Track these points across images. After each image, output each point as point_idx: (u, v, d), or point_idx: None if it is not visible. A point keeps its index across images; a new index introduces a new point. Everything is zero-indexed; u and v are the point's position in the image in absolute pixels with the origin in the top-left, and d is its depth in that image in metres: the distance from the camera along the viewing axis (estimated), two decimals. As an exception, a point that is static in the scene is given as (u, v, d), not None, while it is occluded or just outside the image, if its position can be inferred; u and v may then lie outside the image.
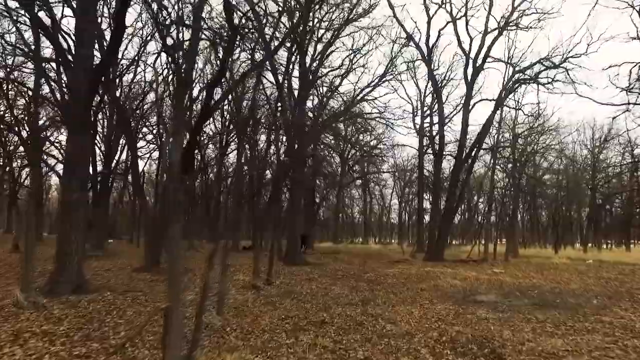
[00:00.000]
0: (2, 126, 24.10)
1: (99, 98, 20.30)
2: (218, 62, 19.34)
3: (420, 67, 45.76)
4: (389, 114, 23.67)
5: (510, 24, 20.76)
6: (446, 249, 24.02)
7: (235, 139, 27.62)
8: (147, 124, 27.73)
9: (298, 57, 18.77)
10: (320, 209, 44.73)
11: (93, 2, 9.26)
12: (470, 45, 21.78)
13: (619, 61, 19.08)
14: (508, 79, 21.56)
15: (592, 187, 35.46)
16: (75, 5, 8.94)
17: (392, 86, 23.48)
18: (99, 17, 11.09)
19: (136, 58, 21.01)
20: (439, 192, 23.66)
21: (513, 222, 28.69)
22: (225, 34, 10.80)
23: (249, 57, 17.99)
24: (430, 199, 31.29)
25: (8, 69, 17.49)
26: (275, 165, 23.09)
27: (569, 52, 20.28)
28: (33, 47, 12.33)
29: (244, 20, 11.85)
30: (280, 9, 16.27)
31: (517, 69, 22.04)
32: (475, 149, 22.33)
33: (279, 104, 19.60)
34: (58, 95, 15.69)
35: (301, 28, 16.49)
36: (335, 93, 23.34)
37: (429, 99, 29.88)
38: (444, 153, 24.75)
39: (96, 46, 14.41)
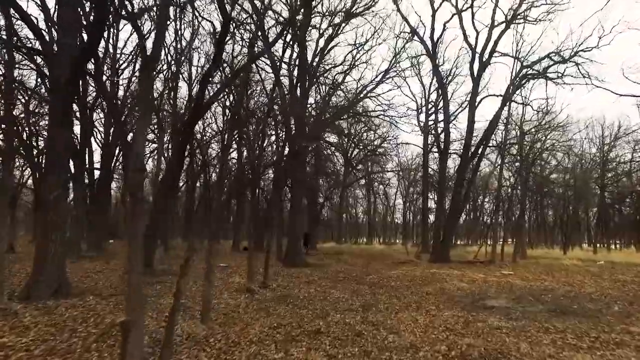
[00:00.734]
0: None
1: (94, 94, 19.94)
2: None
3: (424, 64, 45.08)
4: (393, 111, 23.03)
5: (518, 16, 20.03)
6: (451, 250, 23.32)
7: (235, 138, 27.01)
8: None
9: (298, 51, 18.16)
10: (324, 209, 44.19)
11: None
12: (477, 39, 21.10)
13: (633, 54, 18.29)
14: (516, 74, 20.84)
15: (601, 186, 34.58)
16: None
17: (396, 83, 22.95)
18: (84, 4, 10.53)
19: (133, 53, 20.48)
20: (444, 191, 22.96)
21: (521, 222, 27.90)
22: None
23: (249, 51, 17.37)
24: (435, 199, 30.56)
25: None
26: (275, 158, 22.42)
27: (580, 45, 19.54)
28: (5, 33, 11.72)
29: (238, 9, 11.31)
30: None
31: (524, 63, 21.32)
32: (481, 147, 21.61)
33: (278, 98, 18.93)
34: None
35: (300, 18, 15.86)
36: (338, 90, 22.71)
37: (433, 96, 29.18)
38: (450, 151, 24.02)
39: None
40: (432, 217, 34.10)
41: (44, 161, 16.17)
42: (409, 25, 21.09)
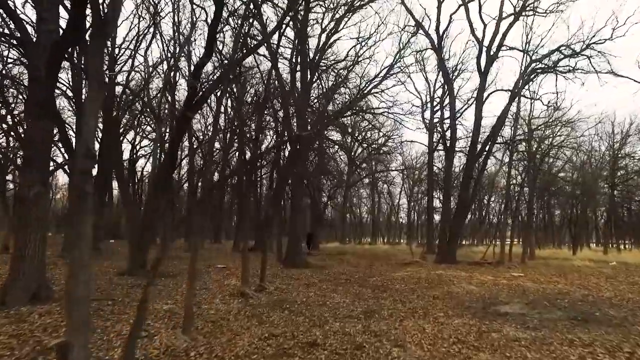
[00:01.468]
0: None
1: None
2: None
3: (429, 59, 44.25)
4: (397, 108, 22.41)
5: (527, 8, 19.29)
6: (457, 250, 22.56)
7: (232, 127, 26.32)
8: (148, 120, 26.68)
9: (299, 45, 17.54)
10: (327, 209, 43.53)
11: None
12: (484, 32, 20.39)
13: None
14: (525, 68, 20.09)
15: (611, 184, 33.68)
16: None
17: (400, 80, 22.15)
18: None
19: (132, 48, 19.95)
20: (450, 190, 22.23)
21: (529, 221, 27.11)
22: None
23: (249, 43, 16.75)
24: (441, 198, 29.84)
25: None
26: (274, 151, 21.77)
27: (592, 37, 18.77)
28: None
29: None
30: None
31: (534, 57, 20.57)
32: (489, 144, 20.87)
33: (277, 88, 18.28)
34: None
35: (302, 8, 15.24)
36: (341, 86, 22.05)
37: (438, 93, 28.50)
38: (456, 149, 23.29)
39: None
40: (436, 217, 33.41)
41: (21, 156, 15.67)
42: (413, 18, 20.42)
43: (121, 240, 32.56)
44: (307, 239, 25.12)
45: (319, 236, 34.54)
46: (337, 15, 18.86)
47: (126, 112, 23.28)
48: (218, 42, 17.01)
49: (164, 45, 20.00)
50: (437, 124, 26.87)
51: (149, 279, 3.84)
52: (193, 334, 5.49)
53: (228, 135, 28.74)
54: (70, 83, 19.34)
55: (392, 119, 31.07)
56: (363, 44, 20.81)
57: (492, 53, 20.13)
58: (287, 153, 22.90)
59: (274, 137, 21.76)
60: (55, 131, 14.80)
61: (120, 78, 22.86)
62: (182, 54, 18.91)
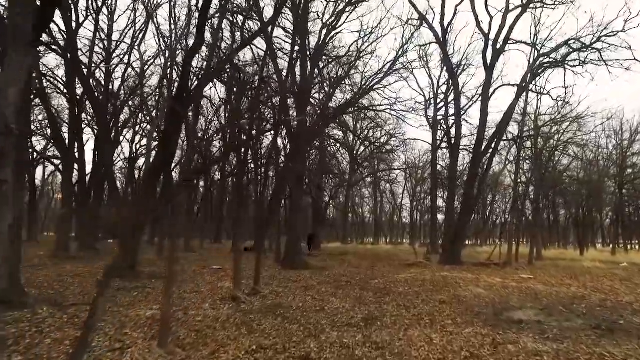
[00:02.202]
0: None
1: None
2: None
3: (433, 55, 43.47)
4: (400, 105, 21.68)
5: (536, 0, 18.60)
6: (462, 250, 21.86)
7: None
8: (147, 118, 26.10)
9: (299, 39, 16.93)
10: (329, 209, 42.93)
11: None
12: (490, 25, 19.69)
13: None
14: (532, 62, 19.39)
15: (619, 183, 32.88)
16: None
17: (402, 76, 21.42)
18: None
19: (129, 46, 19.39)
20: (454, 188, 21.53)
21: (536, 221, 26.37)
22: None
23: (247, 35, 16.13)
24: (445, 196, 29.12)
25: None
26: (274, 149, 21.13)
27: (603, 30, 18.05)
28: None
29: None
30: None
31: (542, 51, 19.87)
32: (495, 140, 20.18)
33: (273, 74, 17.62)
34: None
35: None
36: (342, 82, 21.40)
37: (442, 90, 27.76)
38: (460, 147, 22.60)
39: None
40: (440, 216, 32.71)
41: None
42: (417, 10, 19.78)
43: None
44: (308, 239, 24.49)
45: (321, 236, 33.92)
46: (339, 8, 18.28)
47: (122, 108, 22.78)
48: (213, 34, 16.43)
49: (160, 38, 19.38)
50: (442, 121, 26.16)
51: (101, 288, 3.21)
52: (170, 347, 4.86)
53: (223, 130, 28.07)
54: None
55: (394, 117, 30.43)
56: (365, 38, 20.21)
57: (498, 47, 19.45)
58: (285, 153, 22.39)
59: (270, 120, 20.93)
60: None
61: (117, 75, 22.42)
62: (179, 47, 18.33)
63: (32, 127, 29.20)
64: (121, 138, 28.77)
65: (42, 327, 5.74)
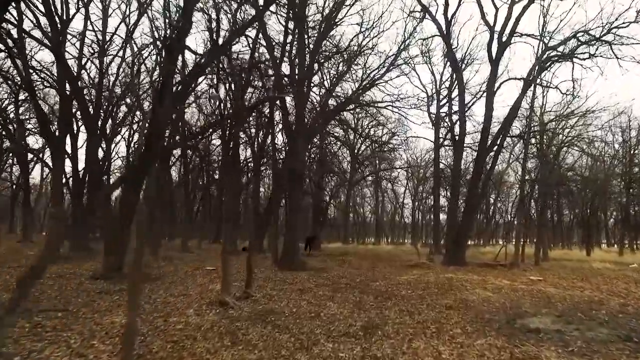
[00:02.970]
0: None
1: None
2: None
3: (435, 51, 42.47)
4: (402, 102, 20.99)
5: (543, -10, 17.88)
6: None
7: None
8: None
9: (296, 28, 16.27)
10: (330, 208, 42.18)
11: None
12: (496, 16, 19.01)
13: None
14: (540, 55, 18.65)
15: (627, 182, 32.08)
16: None
17: (403, 71, 20.74)
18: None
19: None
20: (458, 187, 20.81)
21: (543, 220, 25.62)
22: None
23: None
24: (448, 195, 28.43)
25: None
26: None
27: (614, 21, 17.30)
28: None
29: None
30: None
31: (549, 44, 19.13)
32: (500, 137, 19.47)
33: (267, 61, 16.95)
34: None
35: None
36: (343, 79, 20.73)
37: (445, 87, 27.06)
38: (465, 145, 21.87)
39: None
40: (442, 216, 31.98)
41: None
42: (419, 2, 19.05)
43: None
44: (307, 241, 23.77)
45: (321, 236, 33.23)
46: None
47: (115, 104, 22.11)
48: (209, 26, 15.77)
49: (153, 30, 18.68)
50: (446, 117, 25.44)
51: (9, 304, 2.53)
52: (137, 364, 4.19)
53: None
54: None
55: (396, 114, 29.82)
56: (366, 33, 19.54)
57: (504, 39, 18.73)
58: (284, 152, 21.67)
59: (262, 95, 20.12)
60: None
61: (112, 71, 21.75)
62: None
63: (29, 125, 28.85)
64: (118, 135, 28.18)
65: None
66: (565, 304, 8.59)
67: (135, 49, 16.82)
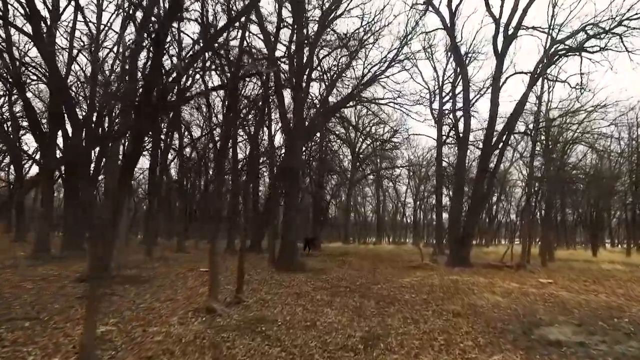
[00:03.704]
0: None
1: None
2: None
3: (438, 46, 41.63)
4: (404, 99, 20.34)
5: (551, -20, 17.21)
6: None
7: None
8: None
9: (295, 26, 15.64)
10: (330, 207, 41.56)
11: None
12: (502, 8, 18.26)
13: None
14: (547, 47, 17.98)
15: (635, 180, 31.33)
16: None
17: (405, 68, 20.05)
18: None
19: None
20: (463, 185, 20.11)
21: (549, 220, 24.92)
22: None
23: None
24: (451, 194, 27.74)
25: None
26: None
27: (625, 13, 16.62)
28: None
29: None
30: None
31: (557, 38, 18.46)
32: (506, 133, 18.80)
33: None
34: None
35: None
36: (344, 75, 20.06)
37: (447, 85, 26.35)
38: (469, 142, 21.21)
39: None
40: (444, 215, 31.27)
41: None
42: (422, -7, 18.40)
43: (120, 240, 30.76)
44: (305, 243, 23.15)
45: (321, 236, 32.61)
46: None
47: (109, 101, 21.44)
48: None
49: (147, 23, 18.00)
50: (449, 113, 24.74)
51: None
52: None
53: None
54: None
55: (398, 111, 29.16)
56: (367, 27, 18.90)
57: (510, 32, 18.07)
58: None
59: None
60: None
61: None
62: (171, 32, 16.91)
63: (25, 123, 28.20)
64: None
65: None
66: (582, 310, 7.95)
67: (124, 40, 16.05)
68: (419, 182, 46.87)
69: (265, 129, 24.31)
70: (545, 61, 17.61)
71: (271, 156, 20.77)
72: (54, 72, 12.72)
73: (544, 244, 21.43)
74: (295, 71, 16.12)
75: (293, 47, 16.60)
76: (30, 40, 18.03)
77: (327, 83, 20.49)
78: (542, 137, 21.40)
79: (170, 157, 28.79)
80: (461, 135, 19.90)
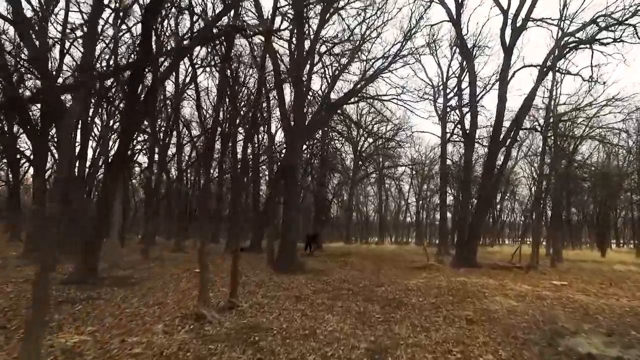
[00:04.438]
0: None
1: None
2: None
3: (442, 41, 40.80)
4: (407, 96, 19.82)
5: (562, -31, 16.52)
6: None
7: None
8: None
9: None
10: (332, 207, 40.91)
11: None
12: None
13: None
14: (558, 39, 17.30)
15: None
16: None
17: (408, 63, 19.44)
18: None
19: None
20: (469, 183, 19.44)
21: (557, 219, 24.22)
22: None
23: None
24: (456, 192, 27.08)
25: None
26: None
27: None
28: None
29: None
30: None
31: (567, 30, 17.78)
32: (514, 129, 18.13)
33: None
34: None
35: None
36: (346, 71, 19.44)
37: (452, 81, 25.65)
38: (476, 137, 20.54)
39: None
40: (448, 214, 30.55)
41: None
42: (427, -16, 17.73)
43: (113, 240, 30.22)
44: (307, 239, 22.54)
45: (323, 236, 31.97)
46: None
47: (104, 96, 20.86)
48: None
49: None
50: (455, 109, 24.04)
51: None
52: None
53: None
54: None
55: (401, 109, 28.53)
56: (369, 21, 18.28)
57: (518, 24, 17.39)
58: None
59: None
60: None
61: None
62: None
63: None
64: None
65: None
66: (606, 316, 7.29)
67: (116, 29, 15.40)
68: (422, 181, 46.20)
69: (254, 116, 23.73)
70: (556, 53, 16.89)
71: (270, 152, 20.12)
72: (37, 58, 12.08)
73: (554, 244, 20.73)
74: (295, 54, 15.47)
75: (294, 41, 16.02)
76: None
77: (328, 79, 19.92)
78: (550, 133, 20.75)
79: (170, 157, 28.24)
80: (467, 131, 19.24)
